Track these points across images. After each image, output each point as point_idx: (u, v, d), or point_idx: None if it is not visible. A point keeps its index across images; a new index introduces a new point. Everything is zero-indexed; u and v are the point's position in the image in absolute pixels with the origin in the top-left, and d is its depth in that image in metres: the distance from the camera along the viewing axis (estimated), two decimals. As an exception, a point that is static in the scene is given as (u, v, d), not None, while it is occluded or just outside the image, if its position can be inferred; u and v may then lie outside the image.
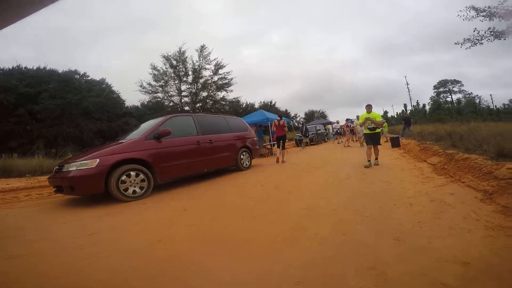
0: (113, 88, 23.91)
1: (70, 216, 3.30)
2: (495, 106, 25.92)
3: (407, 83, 34.24)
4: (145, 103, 22.93)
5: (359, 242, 1.94)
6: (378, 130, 5.61)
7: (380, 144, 5.68)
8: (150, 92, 21.63)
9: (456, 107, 24.03)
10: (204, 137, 5.21)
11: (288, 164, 7.20)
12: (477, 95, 36.29)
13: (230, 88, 23.03)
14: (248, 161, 6.50)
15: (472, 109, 22.62)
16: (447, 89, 40.90)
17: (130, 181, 3.92)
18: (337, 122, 16.48)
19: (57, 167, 4.17)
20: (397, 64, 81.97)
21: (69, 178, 3.66)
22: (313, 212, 2.73)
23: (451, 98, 38.77)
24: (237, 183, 4.85)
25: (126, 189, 3.87)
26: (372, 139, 5.59)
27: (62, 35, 39.58)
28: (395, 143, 9.65)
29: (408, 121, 13.43)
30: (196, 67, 21.89)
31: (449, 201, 2.75)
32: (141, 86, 21.26)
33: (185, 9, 55.19)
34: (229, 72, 22.76)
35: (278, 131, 7.52)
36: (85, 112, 19.91)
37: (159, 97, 22.11)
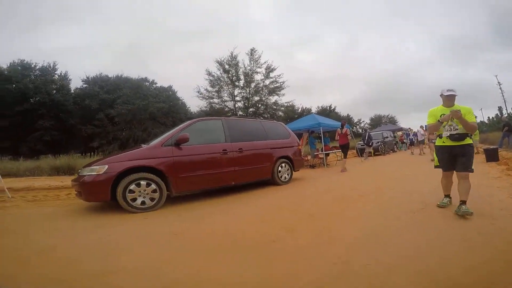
0: (177, 95, 26.04)
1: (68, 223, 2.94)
2: None
3: (499, 82, 27.23)
4: (207, 109, 23.39)
5: None
6: (468, 141, 2.68)
7: (472, 171, 2.65)
8: (206, 97, 22.57)
9: None
10: (233, 145, 4.43)
11: (342, 178, 5.94)
12: None
13: (282, 92, 22.29)
14: (287, 174, 5.42)
15: None
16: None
17: (140, 191, 3.44)
18: (421, 127, 11.91)
19: (80, 170, 4.05)
20: (477, 62, 65.99)
21: (79, 183, 3.44)
22: (350, 274, 1.57)
23: None
24: (265, 203, 3.84)
25: (134, 199, 3.42)
26: (456, 159, 2.71)
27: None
28: (491, 155, 7.03)
29: (511, 127, 10.02)
30: (248, 71, 21.88)
31: None
32: (198, 92, 22.38)
33: (240, 19, 57.79)
34: (280, 75, 22.08)
35: (341, 140, 7.44)
36: (152, 117, 22.00)
37: (215, 103, 22.85)
